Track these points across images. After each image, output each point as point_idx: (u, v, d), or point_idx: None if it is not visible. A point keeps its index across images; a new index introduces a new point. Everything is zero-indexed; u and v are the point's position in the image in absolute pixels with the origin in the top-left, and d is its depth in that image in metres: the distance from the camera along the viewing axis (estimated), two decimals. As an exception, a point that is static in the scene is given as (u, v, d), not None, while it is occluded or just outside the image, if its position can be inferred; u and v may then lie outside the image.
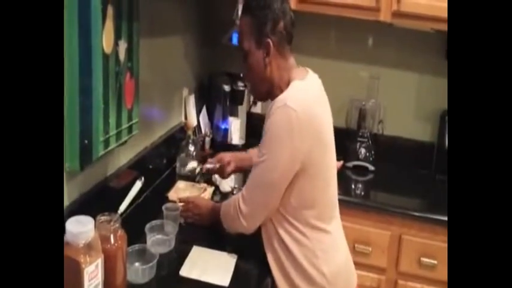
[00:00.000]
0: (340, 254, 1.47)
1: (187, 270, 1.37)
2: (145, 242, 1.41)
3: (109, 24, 1.33)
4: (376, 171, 2.37)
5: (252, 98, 2.68)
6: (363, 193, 2.19)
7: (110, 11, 1.33)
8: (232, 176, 1.97)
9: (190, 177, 1.98)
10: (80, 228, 1.00)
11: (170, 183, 1.93)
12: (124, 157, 1.71)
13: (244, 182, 2.18)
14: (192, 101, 2.33)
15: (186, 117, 2.30)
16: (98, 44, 1.26)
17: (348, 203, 1.99)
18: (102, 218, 1.15)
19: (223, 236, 1.51)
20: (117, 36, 1.39)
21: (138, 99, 1.59)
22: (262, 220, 1.40)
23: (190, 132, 2.02)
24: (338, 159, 1.54)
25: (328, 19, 2.22)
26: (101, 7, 1.25)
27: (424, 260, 2.00)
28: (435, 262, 1.99)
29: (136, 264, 1.31)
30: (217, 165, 1.77)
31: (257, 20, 1.36)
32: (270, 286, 1.41)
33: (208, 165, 1.78)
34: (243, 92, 2.52)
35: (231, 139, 2.52)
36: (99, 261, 1.04)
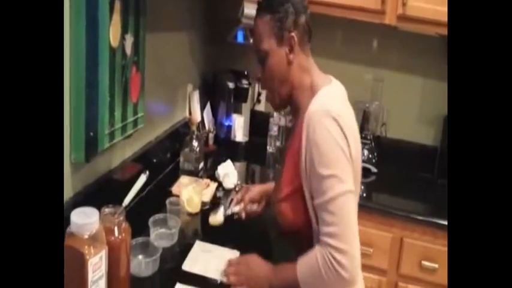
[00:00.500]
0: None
1: (190, 265, 1.37)
2: (148, 235, 1.41)
3: (116, 18, 1.33)
4: (379, 174, 2.37)
5: (256, 96, 2.69)
6: (365, 195, 2.19)
7: (117, 5, 1.33)
8: (235, 172, 1.97)
9: (194, 173, 1.97)
10: (85, 220, 1.00)
11: (174, 178, 1.93)
12: (129, 150, 1.71)
13: (247, 179, 2.20)
14: (196, 97, 2.33)
15: (190, 113, 2.29)
16: (105, 37, 1.27)
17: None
18: (107, 210, 1.15)
19: (225, 232, 1.50)
20: (124, 30, 1.39)
21: (144, 94, 1.59)
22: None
23: (194, 128, 2.02)
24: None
25: (334, 20, 2.21)
26: (108, 1, 1.26)
27: (425, 263, 1.99)
28: (436, 266, 1.98)
29: (140, 257, 1.31)
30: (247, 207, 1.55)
31: (277, 15, 1.25)
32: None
33: (236, 209, 1.53)
34: (247, 89, 2.52)
35: (235, 136, 2.52)
36: (103, 253, 1.04)
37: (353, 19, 2.12)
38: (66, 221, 1.00)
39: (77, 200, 1.30)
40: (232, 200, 1.59)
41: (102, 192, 1.42)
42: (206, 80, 2.59)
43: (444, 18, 1.93)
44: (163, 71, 1.97)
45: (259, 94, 2.70)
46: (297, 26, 1.26)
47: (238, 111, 2.54)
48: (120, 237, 1.13)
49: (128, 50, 1.44)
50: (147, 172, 1.50)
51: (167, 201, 1.60)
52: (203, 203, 1.73)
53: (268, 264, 1.30)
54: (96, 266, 1.02)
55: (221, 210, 1.51)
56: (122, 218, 1.15)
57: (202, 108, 2.41)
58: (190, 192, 1.68)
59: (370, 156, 2.37)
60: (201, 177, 1.98)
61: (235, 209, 1.51)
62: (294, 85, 1.30)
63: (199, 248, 1.45)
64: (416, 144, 2.52)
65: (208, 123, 2.44)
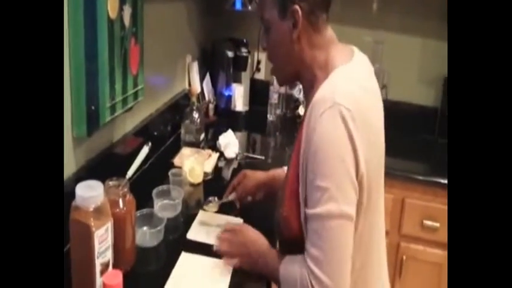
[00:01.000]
0: None
1: (194, 234, 1.39)
2: (152, 207, 1.43)
3: (113, -12, 1.32)
4: (380, 136, 2.38)
5: (255, 64, 2.68)
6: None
7: (114, -25, 1.32)
8: (236, 141, 1.99)
9: (195, 144, 1.99)
10: (89, 193, 1.01)
11: (175, 150, 1.94)
12: (130, 123, 1.72)
13: (248, 148, 2.22)
14: (195, 67, 2.33)
15: (189, 84, 2.30)
16: (103, 8, 1.26)
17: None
18: (111, 183, 1.16)
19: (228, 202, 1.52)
20: (122, 1, 1.38)
21: (143, 65, 1.59)
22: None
23: (194, 99, 2.02)
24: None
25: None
26: (105, -29, 1.24)
27: (427, 222, 2.03)
28: (437, 224, 2.02)
29: (145, 228, 1.33)
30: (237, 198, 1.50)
31: None
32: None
33: (230, 197, 1.50)
34: (246, 58, 2.51)
35: (235, 106, 2.53)
36: (109, 225, 1.06)
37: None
38: (71, 195, 1.02)
39: (81, 174, 1.31)
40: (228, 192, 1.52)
41: (105, 166, 1.43)
42: (205, 50, 2.58)
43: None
44: (162, 42, 1.96)
45: (258, 62, 2.69)
46: None
47: (238, 80, 2.53)
48: (125, 209, 1.15)
49: (127, 21, 1.43)
50: (150, 143, 1.53)
51: (170, 173, 1.62)
52: (205, 173, 1.75)
53: (261, 245, 1.21)
54: (102, 238, 1.04)
55: (215, 200, 1.50)
56: (126, 190, 1.16)
57: (202, 79, 2.41)
58: (192, 163, 1.70)
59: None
60: (203, 148, 1.99)
61: (230, 197, 1.50)
62: (303, 63, 1.11)
63: (203, 217, 1.48)
64: (417, 106, 2.53)
65: (208, 93, 2.44)
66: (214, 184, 1.74)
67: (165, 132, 2.05)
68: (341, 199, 0.96)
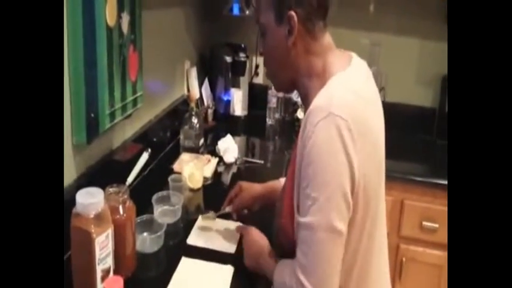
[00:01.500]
0: None
1: (194, 239, 1.40)
2: (152, 213, 1.44)
3: (112, -4, 1.33)
4: (378, 138, 2.39)
5: (254, 68, 2.69)
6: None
7: (112, -17, 1.33)
8: (235, 146, 2.00)
9: (194, 149, 2.00)
10: (90, 200, 1.03)
11: (174, 156, 1.95)
12: (129, 130, 1.74)
13: (247, 152, 2.23)
14: (194, 73, 2.34)
15: (188, 90, 2.31)
16: (101, 16, 1.27)
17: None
18: (111, 189, 1.17)
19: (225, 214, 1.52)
20: (120, 9, 1.40)
21: (142, 72, 1.61)
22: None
23: (193, 105, 2.04)
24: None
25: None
26: (103, -20, 1.25)
27: (426, 223, 2.04)
28: (436, 226, 2.03)
29: (145, 234, 1.34)
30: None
31: None
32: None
33: (227, 209, 1.48)
34: (244, 62, 2.53)
35: (234, 110, 2.54)
36: (109, 232, 1.07)
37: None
38: (72, 202, 1.03)
39: (81, 182, 1.32)
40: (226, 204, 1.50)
41: (105, 173, 1.44)
42: (203, 55, 2.60)
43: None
44: (161, 49, 1.98)
45: (256, 67, 2.71)
46: (301, 2, 1.03)
47: (237, 85, 2.55)
48: (125, 215, 1.16)
49: (125, 28, 1.45)
50: (149, 150, 1.54)
51: (169, 179, 1.63)
52: (205, 179, 1.76)
53: (261, 246, 1.22)
54: (103, 244, 1.05)
55: (212, 213, 1.48)
56: (126, 196, 1.17)
57: (201, 84, 2.42)
58: (192, 169, 1.71)
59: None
60: (202, 153, 2.00)
61: (227, 209, 1.48)
62: (299, 70, 1.09)
63: (203, 223, 1.49)
64: (415, 107, 2.54)
65: (207, 99, 2.45)
66: (213, 189, 1.76)
67: (165, 138, 2.06)
68: (331, 212, 0.94)
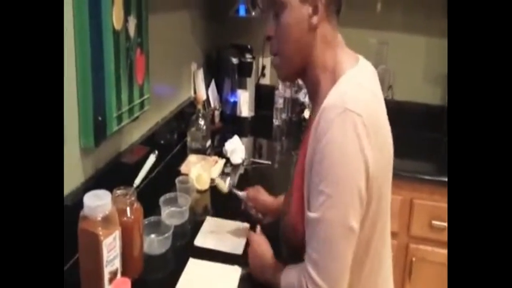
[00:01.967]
0: None
1: (202, 240, 1.41)
2: (160, 215, 1.44)
3: (118, 0, 1.34)
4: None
5: (260, 69, 2.69)
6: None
7: (119, -13, 1.34)
8: (243, 147, 2.00)
9: (201, 151, 2.01)
10: (97, 202, 1.03)
11: (182, 157, 1.96)
12: (136, 133, 1.74)
13: (254, 153, 2.23)
14: (200, 75, 2.35)
15: (195, 92, 2.32)
16: (108, 20, 1.28)
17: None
18: (119, 191, 1.18)
19: (235, 207, 1.53)
20: (127, 13, 1.41)
21: (149, 75, 1.61)
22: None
23: (200, 107, 2.04)
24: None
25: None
26: (109, -16, 1.26)
27: (435, 222, 2.02)
28: (446, 224, 2.01)
29: (152, 235, 1.34)
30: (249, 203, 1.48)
31: None
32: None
33: (240, 193, 1.48)
34: (251, 63, 2.53)
35: (240, 112, 2.54)
36: (117, 234, 1.07)
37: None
38: (80, 205, 1.03)
39: (89, 185, 1.33)
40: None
41: (112, 176, 1.45)
42: (210, 57, 2.60)
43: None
44: (167, 51, 1.99)
45: (263, 68, 2.71)
46: None
47: (243, 86, 2.55)
48: (132, 217, 1.16)
49: (132, 32, 1.45)
50: (156, 152, 1.54)
51: (176, 180, 1.63)
52: (212, 180, 1.76)
53: (267, 259, 1.20)
54: (111, 246, 1.06)
55: (228, 180, 1.48)
56: (133, 198, 1.18)
57: (207, 86, 2.43)
58: (199, 170, 1.71)
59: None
60: (209, 154, 2.01)
61: (241, 194, 1.47)
62: (313, 60, 1.06)
63: (210, 224, 1.49)
64: (424, 105, 2.53)
65: (214, 100, 2.46)
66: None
67: (172, 140, 2.07)
68: (345, 209, 0.93)
